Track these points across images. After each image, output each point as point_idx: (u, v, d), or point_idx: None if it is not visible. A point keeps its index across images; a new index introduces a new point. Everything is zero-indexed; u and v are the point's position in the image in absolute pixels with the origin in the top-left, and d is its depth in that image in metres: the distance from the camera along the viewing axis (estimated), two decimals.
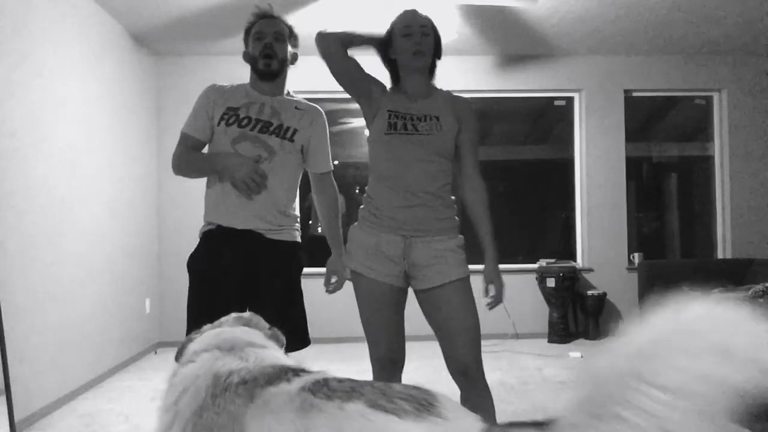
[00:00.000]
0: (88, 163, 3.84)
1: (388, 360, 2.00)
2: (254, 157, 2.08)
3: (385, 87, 2.08)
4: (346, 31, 2.03)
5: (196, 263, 2.12)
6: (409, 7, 2.05)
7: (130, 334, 4.50)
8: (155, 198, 5.15)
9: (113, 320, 4.18)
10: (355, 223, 2.06)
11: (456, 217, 2.01)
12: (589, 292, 5.27)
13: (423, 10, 2.06)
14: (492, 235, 1.98)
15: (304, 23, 4.61)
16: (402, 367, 2.04)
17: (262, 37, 2.19)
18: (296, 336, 1.99)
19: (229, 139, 2.13)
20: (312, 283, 5.32)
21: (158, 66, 5.24)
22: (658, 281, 5.15)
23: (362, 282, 1.96)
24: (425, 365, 3.69)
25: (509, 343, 5.06)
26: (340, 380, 0.91)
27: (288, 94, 2.33)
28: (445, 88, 2.10)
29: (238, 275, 2.06)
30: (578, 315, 5.41)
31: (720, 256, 5.70)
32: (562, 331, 5.16)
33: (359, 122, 6.04)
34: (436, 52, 2.04)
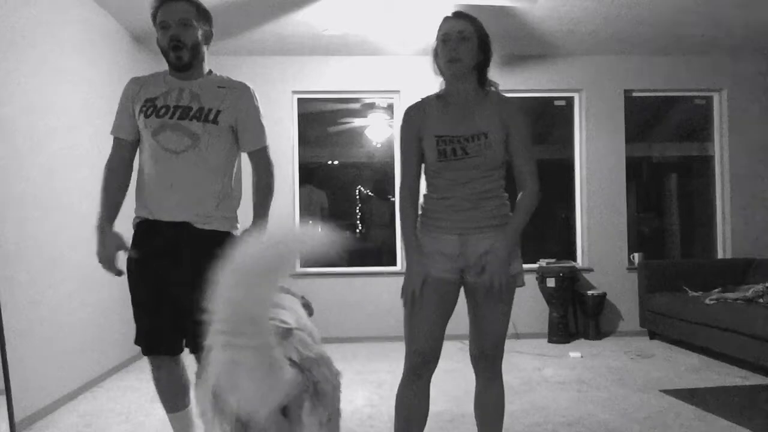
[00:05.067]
0: (87, 163, 3.84)
1: (421, 358, 2.01)
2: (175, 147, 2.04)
3: (423, 108, 2.06)
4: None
5: (130, 263, 2.13)
6: (456, 11, 2.05)
7: (130, 334, 4.48)
8: None
9: (113, 320, 4.17)
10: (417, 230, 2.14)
11: (511, 213, 2.07)
12: (589, 292, 5.27)
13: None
14: (513, 228, 1.99)
15: (305, 23, 4.63)
16: (434, 368, 2.05)
17: (166, 26, 2.07)
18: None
19: (149, 131, 2.08)
20: (319, 283, 5.31)
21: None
22: (658, 281, 5.16)
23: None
24: None
25: (509, 343, 5.03)
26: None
27: (209, 73, 2.22)
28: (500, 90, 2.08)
29: (168, 268, 2.04)
30: (578, 315, 5.41)
31: (720, 256, 5.70)
32: (562, 331, 5.16)
33: (359, 122, 6.04)
34: (484, 56, 2.01)
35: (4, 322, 2.71)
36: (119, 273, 2.11)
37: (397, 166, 5.48)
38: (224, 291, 1.11)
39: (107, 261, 2.09)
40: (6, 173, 2.95)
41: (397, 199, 2.10)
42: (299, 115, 5.51)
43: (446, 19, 2.03)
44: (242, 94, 2.15)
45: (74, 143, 3.66)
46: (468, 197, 1.99)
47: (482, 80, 2.04)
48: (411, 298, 1.97)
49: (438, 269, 2.00)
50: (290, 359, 1.29)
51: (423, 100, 2.10)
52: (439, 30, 2.02)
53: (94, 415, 3.26)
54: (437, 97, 2.07)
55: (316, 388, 1.30)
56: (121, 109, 2.18)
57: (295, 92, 5.45)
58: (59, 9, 3.53)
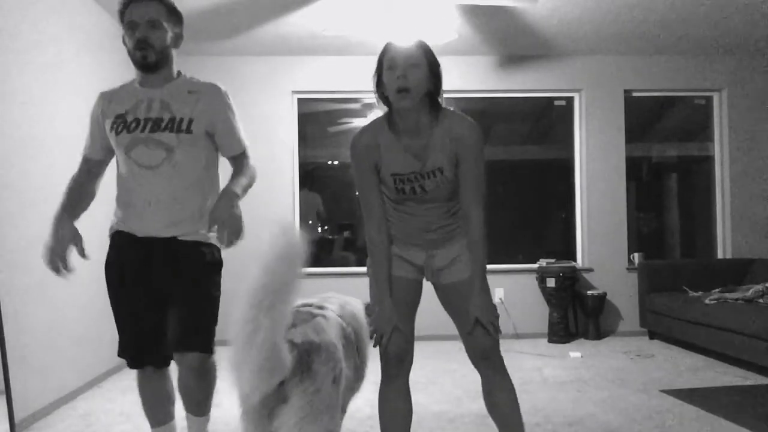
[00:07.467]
0: None
1: (395, 358, 2.02)
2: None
3: (376, 140, 1.93)
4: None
5: (110, 274, 2.12)
6: (408, 39, 1.89)
7: None
8: None
9: (113, 320, 4.17)
10: None
11: None
12: (589, 292, 5.27)
13: (418, 34, 1.97)
14: (479, 272, 1.93)
15: (304, 23, 4.63)
16: (409, 366, 2.07)
17: (134, 27, 1.99)
18: (189, 338, 2.00)
19: (122, 148, 2.02)
20: (318, 283, 5.30)
21: None
22: (658, 281, 5.16)
23: None
24: (426, 365, 3.69)
25: (509, 343, 5.06)
26: (314, 309, 1.84)
27: (179, 75, 2.13)
28: (451, 109, 1.94)
29: (150, 279, 2.04)
30: (578, 315, 5.41)
31: (720, 256, 5.70)
32: (562, 331, 5.16)
33: (359, 122, 6.04)
34: (435, 83, 1.85)
35: (4, 322, 2.71)
36: (68, 269, 1.99)
37: None
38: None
39: (59, 254, 1.95)
40: (6, 174, 2.95)
41: (367, 241, 2.01)
42: (299, 115, 5.52)
43: (390, 43, 1.85)
44: (214, 98, 2.07)
45: (74, 144, 3.65)
46: (435, 218, 1.99)
47: (434, 106, 1.89)
48: (380, 342, 1.97)
49: (400, 268, 2.04)
50: (292, 341, 1.58)
51: (373, 127, 1.96)
52: (383, 54, 1.85)
53: (94, 415, 3.26)
54: (388, 122, 1.92)
55: (310, 367, 1.58)
56: (91, 129, 2.13)
57: (294, 92, 5.44)
58: (58, 9, 3.53)
